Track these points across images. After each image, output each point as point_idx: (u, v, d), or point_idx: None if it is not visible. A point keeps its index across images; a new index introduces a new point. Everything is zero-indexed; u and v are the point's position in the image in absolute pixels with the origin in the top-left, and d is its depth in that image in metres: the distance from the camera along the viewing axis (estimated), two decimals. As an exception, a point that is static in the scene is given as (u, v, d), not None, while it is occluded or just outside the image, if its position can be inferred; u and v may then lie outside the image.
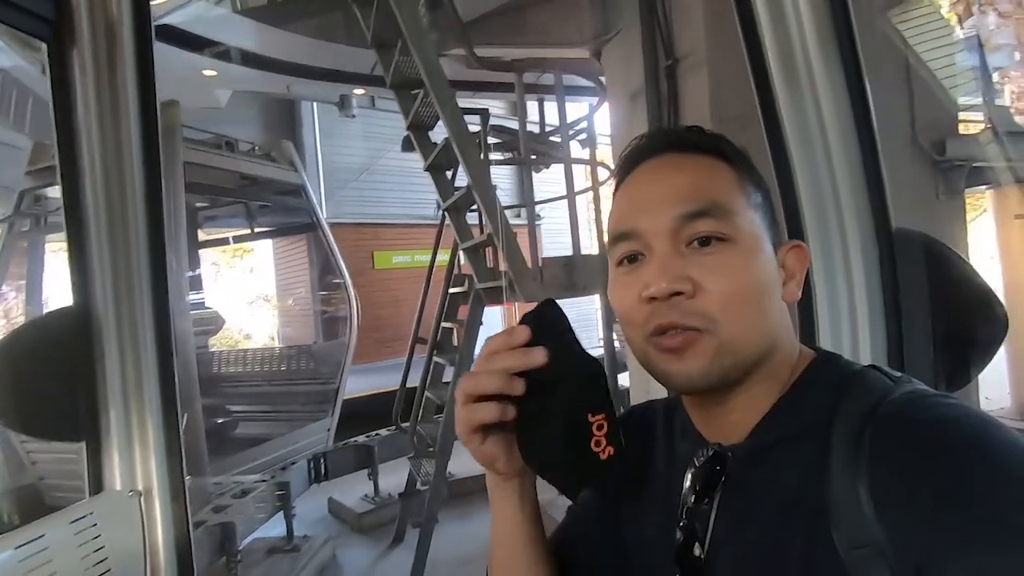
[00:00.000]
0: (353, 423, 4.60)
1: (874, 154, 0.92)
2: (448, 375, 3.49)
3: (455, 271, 3.81)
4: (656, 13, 2.78)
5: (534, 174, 3.32)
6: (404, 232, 10.15)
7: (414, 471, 4.01)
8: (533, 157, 3.24)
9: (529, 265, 2.85)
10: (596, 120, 3.65)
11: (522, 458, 0.48)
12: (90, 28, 1.08)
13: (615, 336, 3.82)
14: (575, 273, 3.06)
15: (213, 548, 2.89)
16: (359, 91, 7.49)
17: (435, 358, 3.86)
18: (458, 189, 3.11)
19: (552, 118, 3.81)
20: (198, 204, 4.62)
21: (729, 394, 0.48)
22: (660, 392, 0.59)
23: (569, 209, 3.06)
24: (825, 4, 0.90)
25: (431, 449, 3.57)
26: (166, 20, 4.32)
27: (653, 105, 3.02)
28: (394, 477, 4.17)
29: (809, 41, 0.92)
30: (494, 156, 3.68)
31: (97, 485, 1.12)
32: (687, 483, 0.48)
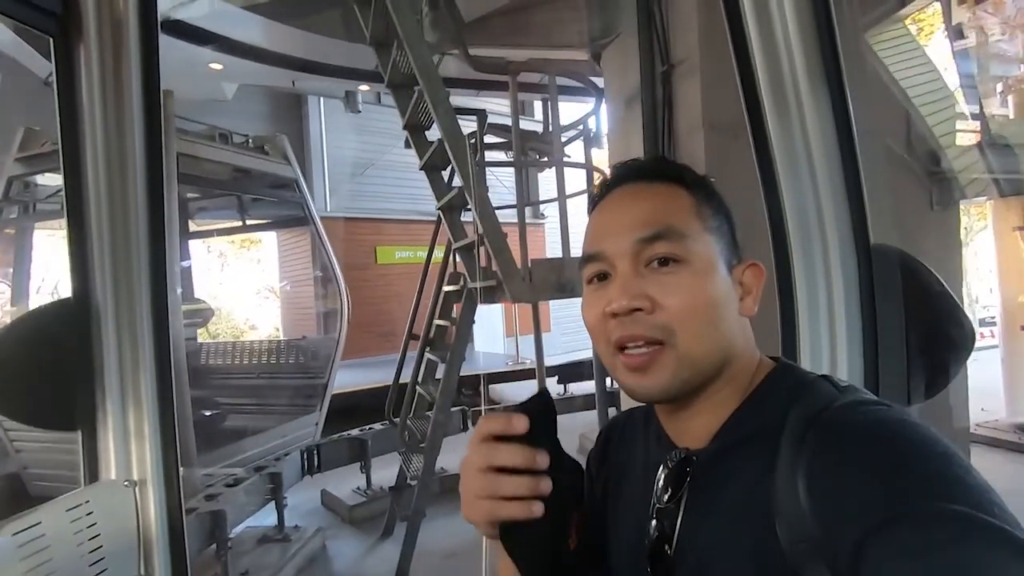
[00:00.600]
0: (352, 416, 4.65)
1: (856, 172, 0.96)
2: (441, 372, 3.52)
3: (451, 269, 3.83)
4: (654, 18, 2.81)
5: (540, 174, 3.35)
6: (407, 228, 10.19)
7: (404, 466, 4.04)
8: (527, 157, 3.26)
9: (518, 266, 2.87)
10: (598, 123, 3.68)
11: (500, 537, 0.50)
12: (96, 24, 1.09)
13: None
14: (564, 275, 3.09)
15: (203, 535, 2.93)
16: (364, 87, 7.50)
17: (428, 355, 3.88)
18: (454, 188, 3.13)
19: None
20: (189, 195, 4.59)
21: (692, 401, 0.53)
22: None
23: (560, 211, 3.09)
24: (812, 26, 0.94)
25: (422, 445, 3.60)
26: (173, 15, 4.33)
27: (648, 109, 3.06)
28: (389, 471, 4.21)
29: (798, 64, 0.96)
30: (492, 156, 3.71)
31: (93, 474, 1.14)
32: (659, 485, 0.52)
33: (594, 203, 0.58)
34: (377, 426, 4.32)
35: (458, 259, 3.31)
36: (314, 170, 9.88)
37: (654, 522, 0.52)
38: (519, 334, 9.61)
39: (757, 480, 0.46)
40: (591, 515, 0.56)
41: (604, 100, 3.56)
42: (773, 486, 0.45)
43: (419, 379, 3.98)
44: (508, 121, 2.97)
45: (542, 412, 0.50)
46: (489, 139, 3.66)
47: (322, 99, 9.75)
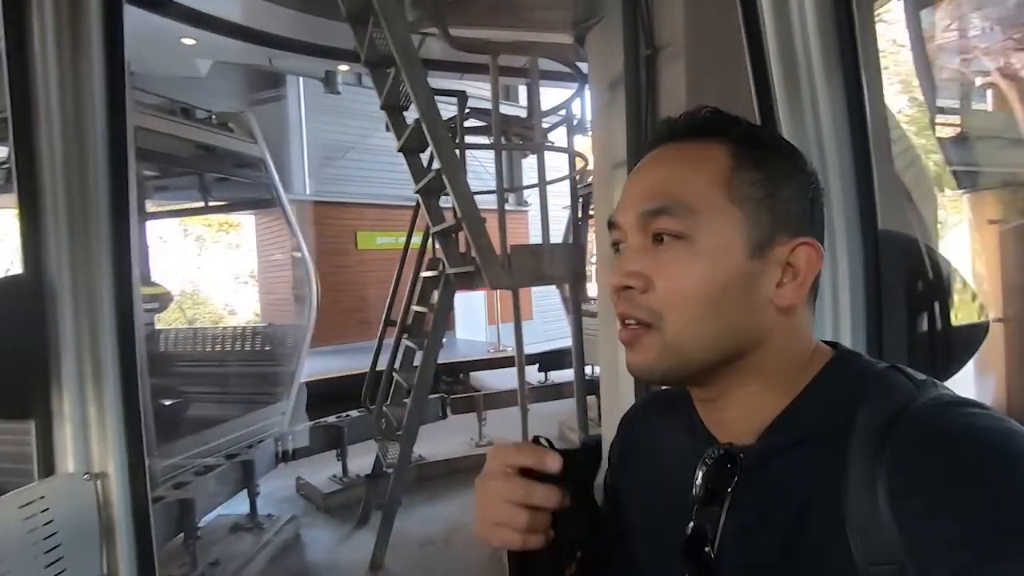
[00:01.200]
0: (331, 403, 4.57)
1: (866, 156, 0.94)
2: (419, 360, 3.46)
3: (430, 255, 3.76)
4: (639, 1, 2.78)
5: (523, 160, 3.28)
6: (388, 213, 9.97)
7: (380, 453, 3.98)
8: (510, 142, 3.20)
9: (497, 252, 2.82)
10: (583, 108, 3.63)
11: (508, 558, 0.51)
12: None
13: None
14: (544, 262, 3.06)
15: (171, 525, 2.85)
16: (343, 67, 7.27)
17: (405, 342, 3.81)
18: (431, 171, 3.05)
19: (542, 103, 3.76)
20: (147, 173, 4.35)
21: (719, 391, 0.49)
22: (628, 381, 0.60)
23: (540, 197, 3.05)
24: (829, 8, 0.91)
25: (398, 432, 3.53)
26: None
27: (632, 94, 3.02)
28: (367, 459, 4.16)
29: (812, 45, 0.93)
30: (472, 140, 3.63)
31: (48, 467, 1.04)
32: (697, 482, 0.47)
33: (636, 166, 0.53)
34: (354, 413, 4.27)
35: (437, 244, 3.24)
36: (293, 152, 9.60)
37: (693, 522, 0.47)
38: (501, 322, 9.57)
39: (819, 487, 0.42)
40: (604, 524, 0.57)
41: (588, 85, 3.52)
42: (845, 496, 0.40)
43: (397, 366, 3.91)
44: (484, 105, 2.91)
45: (587, 462, 0.52)
46: (473, 123, 3.58)
47: (301, 80, 9.41)
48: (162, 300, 4.57)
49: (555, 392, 5.52)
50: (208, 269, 11.91)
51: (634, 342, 0.48)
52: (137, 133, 3.13)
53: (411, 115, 3.18)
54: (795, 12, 0.94)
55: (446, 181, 2.58)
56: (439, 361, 3.52)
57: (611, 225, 0.52)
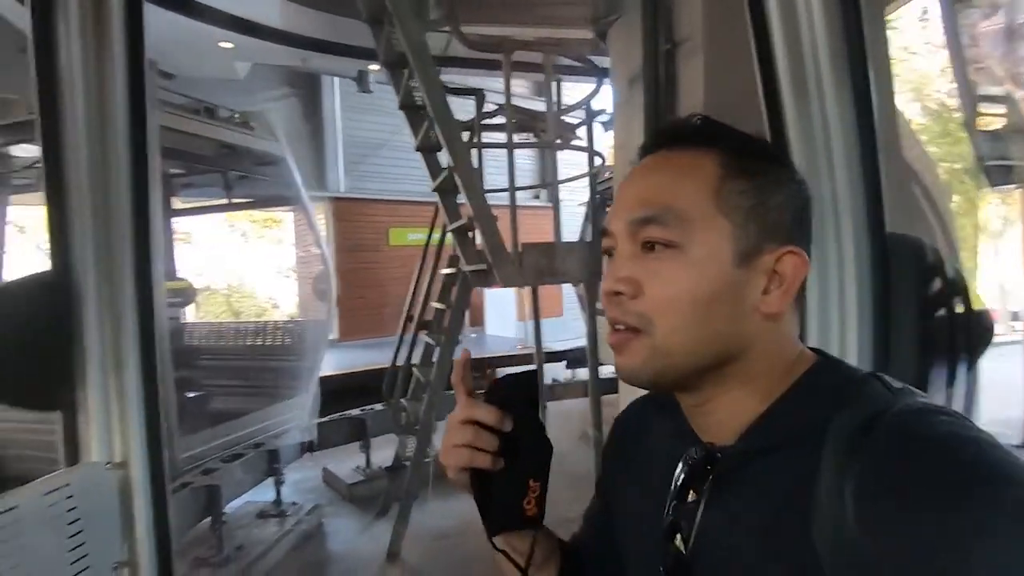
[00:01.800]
0: (357, 396, 4.68)
1: (873, 157, 0.93)
2: (437, 356, 3.51)
3: (450, 252, 3.80)
4: (660, -7, 2.75)
5: (560, 155, 3.27)
6: (420, 209, 10.13)
7: (400, 447, 4.04)
8: (539, 138, 3.19)
9: (508, 250, 2.83)
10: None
11: (470, 485, 0.56)
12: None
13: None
14: (556, 260, 3.06)
15: (199, 509, 2.97)
16: (374, 67, 7.39)
17: (424, 338, 3.87)
18: (445, 170, 3.07)
19: (568, 99, 3.74)
20: (173, 171, 4.46)
21: (703, 396, 0.50)
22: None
23: (552, 195, 3.05)
24: (837, 11, 0.90)
25: (416, 427, 3.59)
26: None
27: (651, 90, 3.01)
28: (391, 451, 4.24)
29: (819, 45, 0.92)
30: (495, 137, 3.64)
31: (73, 456, 1.09)
32: (677, 480, 0.49)
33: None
34: (378, 406, 4.34)
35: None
36: (328, 150, 9.81)
37: (670, 519, 0.48)
38: (529, 318, 9.61)
39: (794, 488, 0.43)
40: (602, 511, 0.61)
41: (610, 81, 3.50)
42: (815, 498, 0.41)
43: (417, 361, 3.96)
44: (526, 103, 2.92)
45: (521, 387, 0.57)
46: (500, 120, 3.59)
47: (336, 80, 9.61)
48: (186, 295, 4.68)
49: (582, 389, 5.47)
50: (253, 264, 12.20)
51: (623, 346, 0.50)
52: (163, 133, 3.22)
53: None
54: (803, 14, 0.93)
55: (457, 180, 2.60)
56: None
57: (604, 232, 0.53)
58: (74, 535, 1.01)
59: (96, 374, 1.12)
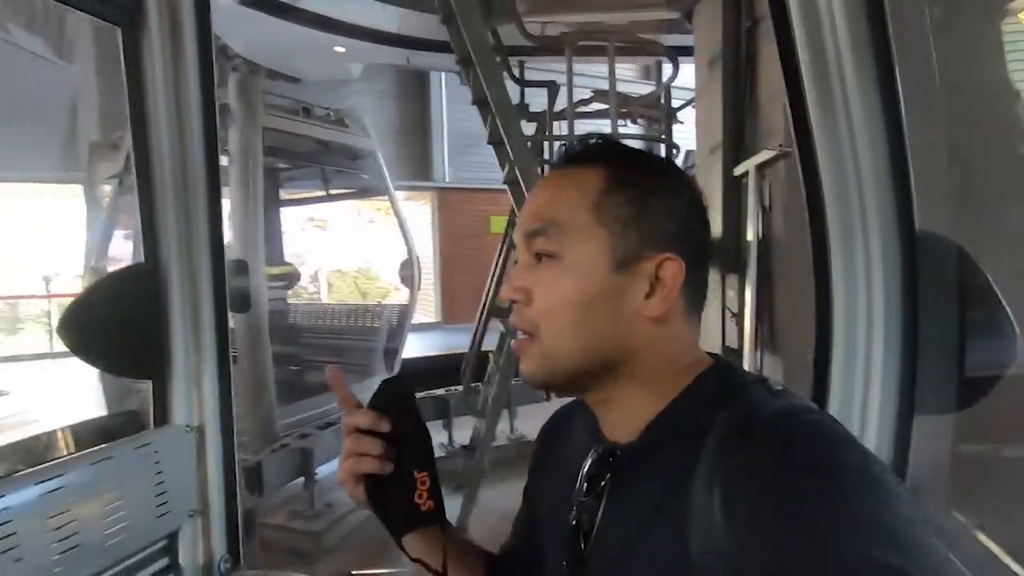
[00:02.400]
0: (443, 377, 4.92)
1: (901, 151, 0.87)
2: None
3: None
4: (743, -34, 2.61)
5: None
6: None
7: (476, 428, 4.24)
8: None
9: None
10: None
11: (366, 495, 0.59)
12: (158, 14, 1.19)
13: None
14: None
15: (293, 468, 3.36)
16: None
17: (498, 325, 4.00)
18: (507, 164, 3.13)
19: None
20: (280, 166, 4.92)
21: (602, 396, 0.54)
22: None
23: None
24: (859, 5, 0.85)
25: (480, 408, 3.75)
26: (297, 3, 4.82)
27: (730, 70, 2.87)
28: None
29: (840, 35, 0.87)
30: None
31: (160, 418, 1.29)
32: (582, 477, 0.53)
33: None
34: (460, 388, 4.52)
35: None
36: (435, 142, 10.39)
37: (574, 515, 0.52)
38: None
39: (675, 482, 0.45)
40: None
41: (694, 63, 3.36)
42: (690, 491, 0.44)
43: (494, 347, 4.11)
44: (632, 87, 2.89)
45: (396, 389, 0.60)
46: (596, 106, 3.60)
47: (443, 75, 10.04)
48: (290, 278, 5.17)
49: None
50: (378, 249, 13.14)
51: (523, 351, 0.54)
52: (265, 133, 3.57)
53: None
54: (823, 8, 0.88)
55: (517, 173, 2.66)
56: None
57: (514, 244, 0.58)
58: (158, 484, 1.21)
59: (180, 350, 1.31)
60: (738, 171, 2.78)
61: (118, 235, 4.10)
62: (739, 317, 2.65)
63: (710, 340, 2.84)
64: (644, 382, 0.52)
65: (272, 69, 5.55)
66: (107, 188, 4.20)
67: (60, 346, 1.31)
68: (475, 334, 4.49)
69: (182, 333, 1.31)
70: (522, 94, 3.99)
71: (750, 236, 2.57)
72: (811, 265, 0.96)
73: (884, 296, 0.91)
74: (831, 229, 0.95)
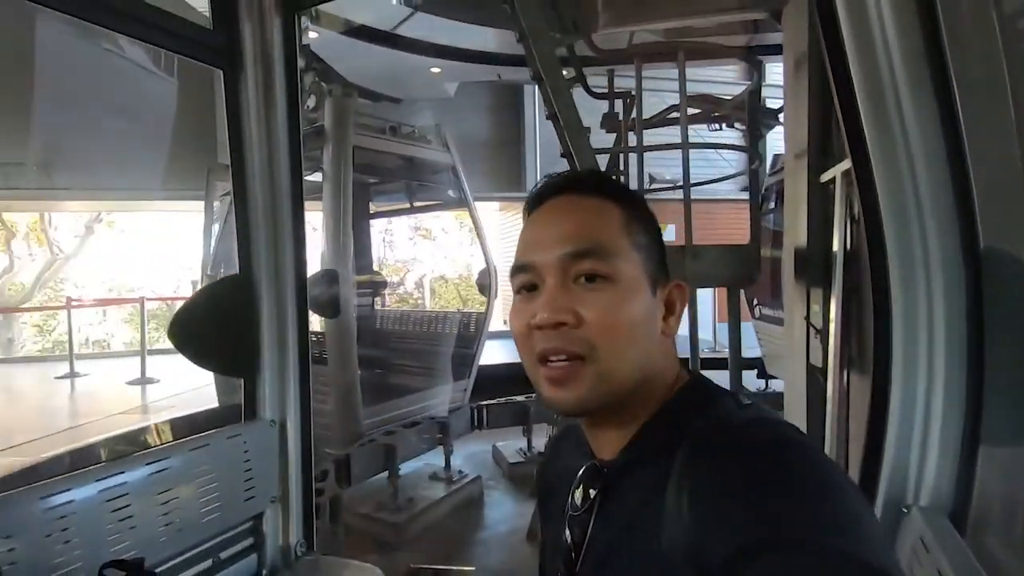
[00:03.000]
0: (525, 383, 5.02)
1: (962, 162, 0.81)
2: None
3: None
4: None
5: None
6: None
7: (550, 435, 4.29)
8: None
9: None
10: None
11: None
12: (252, 58, 1.36)
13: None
14: (717, 263, 2.94)
15: (377, 462, 3.61)
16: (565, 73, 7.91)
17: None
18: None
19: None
20: (370, 181, 5.26)
21: (608, 416, 0.55)
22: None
23: (684, 197, 2.93)
24: (911, 12, 0.81)
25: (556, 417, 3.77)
26: (398, 31, 5.22)
27: (816, 72, 2.72)
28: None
29: (893, 50, 0.84)
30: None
31: (249, 413, 1.46)
32: (573, 495, 0.56)
33: (527, 213, 0.60)
34: None
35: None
36: (527, 155, 10.73)
37: (567, 530, 0.56)
38: (718, 321, 9.19)
39: (652, 491, 0.48)
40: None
41: (783, 67, 3.23)
42: (664, 497, 0.46)
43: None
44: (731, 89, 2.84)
45: None
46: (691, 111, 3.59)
47: (536, 88, 10.24)
48: (376, 286, 5.48)
49: (773, 403, 5.05)
50: (474, 257, 13.88)
51: (568, 378, 0.52)
52: (356, 152, 3.84)
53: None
54: (874, 16, 0.85)
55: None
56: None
57: (522, 268, 0.56)
58: (247, 471, 1.36)
59: (268, 352, 1.46)
60: (825, 178, 2.63)
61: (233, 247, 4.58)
62: (823, 334, 2.49)
63: (794, 358, 2.69)
64: (646, 400, 0.54)
65: (375, 91, 5.95)
66: (220, 205, 4.71)
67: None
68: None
69: (269, 336, 1.47)
70: (611, 104, 4.00)
71: (836, 247, 2.41)
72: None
73: (945, 315, 0.85)
74: (889, 246, 0.91)
